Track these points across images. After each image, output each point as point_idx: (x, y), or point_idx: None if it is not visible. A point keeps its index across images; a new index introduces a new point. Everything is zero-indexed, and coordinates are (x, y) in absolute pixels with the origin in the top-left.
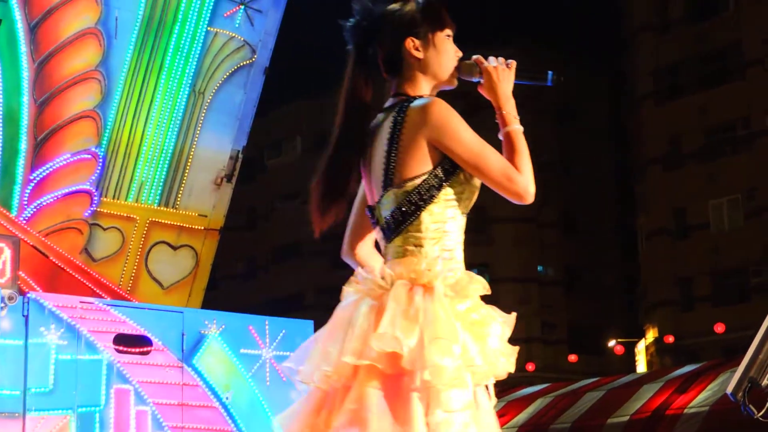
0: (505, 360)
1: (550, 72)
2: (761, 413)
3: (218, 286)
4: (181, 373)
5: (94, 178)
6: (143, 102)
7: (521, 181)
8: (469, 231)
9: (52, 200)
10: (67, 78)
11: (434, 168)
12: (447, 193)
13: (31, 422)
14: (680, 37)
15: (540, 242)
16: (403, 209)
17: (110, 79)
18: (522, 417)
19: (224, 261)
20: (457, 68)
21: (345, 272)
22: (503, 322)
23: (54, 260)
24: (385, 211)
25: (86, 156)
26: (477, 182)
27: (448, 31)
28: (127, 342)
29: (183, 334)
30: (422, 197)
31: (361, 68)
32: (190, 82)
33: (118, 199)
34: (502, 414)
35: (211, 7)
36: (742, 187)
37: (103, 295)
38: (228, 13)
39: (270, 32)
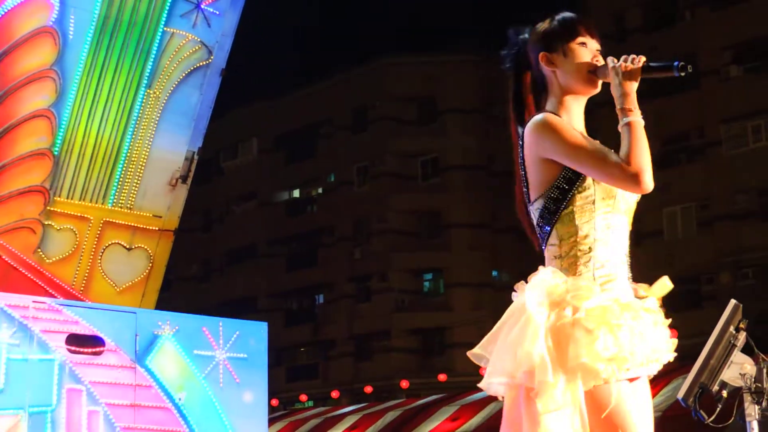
0: None
1: (676, 62)
2: (712, 418)
3: (172, 287)
4: (133, 373)
5: (47, 177)
6: (98, 102)
7: (628, 171)
8: (424, 236)
9: (5, 199)
10: (22, 77)
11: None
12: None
13: None
14: (637, 47)
15: (494, 248)
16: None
17: (65, 78)
18: (475, 420)
19: (179, 262)
20: (593, 72)
21: (299, 274)
22: None
23: (6, 259)
24: None
25: (40, 155)
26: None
27: (581, 39)
28: (80, 342)
29: (136, 335)
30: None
31: (520, 95)
32: (145, 82)
33: (72, 198)
34: (455, 418)
35: (167, 8)
36: (696, 196)
37: (56, 294)
38: (185, 13)
39: (227, 33)
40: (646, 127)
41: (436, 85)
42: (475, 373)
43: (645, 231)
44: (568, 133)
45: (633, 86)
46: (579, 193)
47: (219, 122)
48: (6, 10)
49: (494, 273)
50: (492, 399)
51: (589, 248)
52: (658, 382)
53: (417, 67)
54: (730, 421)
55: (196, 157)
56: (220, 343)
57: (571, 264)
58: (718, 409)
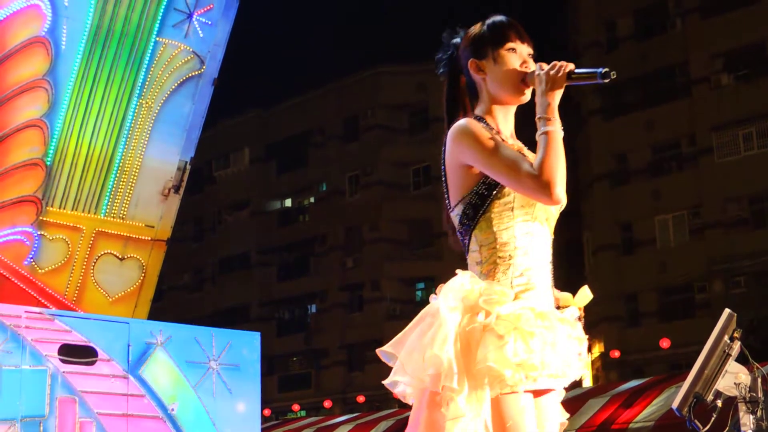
0: None
1: (599, 69)
2: (706, 428)
3: (164, 296)
4: (126, 383)
5: (40, 187)
6: (91, 112)
7: (539, 181)
8: (416, 245)
9: None
10: (14, 86)
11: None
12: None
13: None
14: (627, 55)
15: None
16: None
17: (57, 88)
18: None
19: (171, 272)
20: (523, 81)
21: (291, 284)
22: None
23: None
24: None
25: (33, 165)
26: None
27: (511, 45)
28: (73, 352)
29: (129, 345)
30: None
31: (454, 99)
32: (138, 92)
33: (64, 208)
34: None
35: (160, 18)
36: (688, 204)
37: (48, 305)
38: (177, 23)
39: (219, 43)
40: (638, 134)
41: (427, 94)
42: None
43: (637, 239)
44: (485, 141)
45: (556, 95)
46: (498, 199)
47: (211, 131)
48: None
49: None
50: None
51: (509, 255)
52: (651, 391)
53: (409, 75)
54: (725, 430)
55: (188, 166)
56: (212, 353)
57: (490, 270)
58: (713, 418)
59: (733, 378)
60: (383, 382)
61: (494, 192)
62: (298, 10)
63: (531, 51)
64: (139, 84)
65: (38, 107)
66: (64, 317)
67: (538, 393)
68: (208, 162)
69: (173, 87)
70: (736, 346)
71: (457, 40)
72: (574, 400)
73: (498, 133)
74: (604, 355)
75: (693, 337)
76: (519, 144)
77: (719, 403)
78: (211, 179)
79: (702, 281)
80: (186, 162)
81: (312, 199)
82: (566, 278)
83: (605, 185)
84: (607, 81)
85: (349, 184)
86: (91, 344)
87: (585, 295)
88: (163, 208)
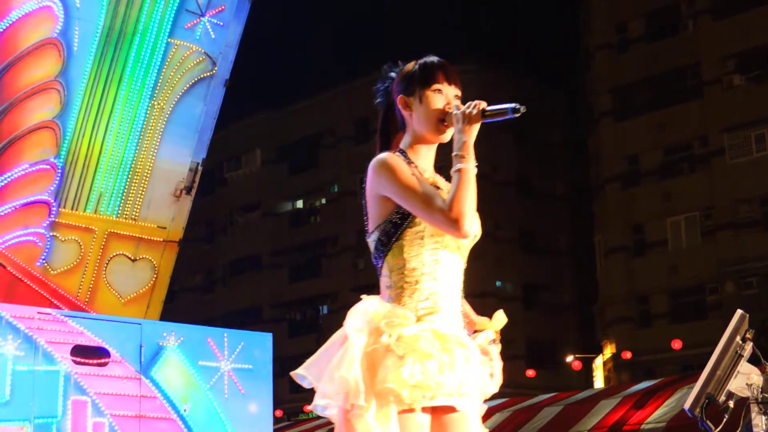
0: None
1: (510, 106)
2: (718, 429)
3: (176, 298)
4: (138, 384)
5: (52, 188)
6: (102, 113)
7: (449, 216)
8: None
9: (10, 210)
10: (27, 88)
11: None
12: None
13: None
14: (639, 56)
15: (497, 258)
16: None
17: (70, 89)
18: None
19: (183, 273)
20: (442, 120)
21: (302, 285)
22: None
23: (12, 271)
24: None
25: (45, 166)
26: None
27: (437, 86)
28: (85, 353)
29: (141, 346)
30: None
31: (385, 128)
32: (149, 93)
33: (76, 210)
34: None
35: (171, 19)
36: (700, 205)
37: (60, 306)
38: (189, 25)
39: (230, 44)
40: (649, 136)
41: None
42: None
43: (649, 241)
44: (403, 175)
45: (472, 132)
46: (410, 228)
47: (222, 133)
48: (11, 22)
49: (498, 283)
50: (496, 409)
51: (416, 280)
52: (663, 392)
53: None
54: (737, 431)
55: (199, 168)
56: (224, 354)
57: (398, 294)
58: (725, 419)
59: (745, 379)
60: (309, 407)
61: (407, 221)
62: (309, 12)
63: (458, 93)
64: (151, 85)
65: (50, 109)
66: (77, 318)
67: (439, 411)
68: (219, 164)
69: (185, 88)
70: (748, 347)
71: (393, 73)
72: (586, 401)
73: (416, 167)
74: (615, 357)
75: (704, 339)
76: (436, 178)
77: (731, 404)
78: (222, 181)
79: (713, 282)
80: (198, 163)
81: (323, 201)
82: (577, 280)
83: (617, 187)
84: (517, 116)
85: (361, 185)
86: (104, 345)
87: (499, 319)
88: (174, 209)
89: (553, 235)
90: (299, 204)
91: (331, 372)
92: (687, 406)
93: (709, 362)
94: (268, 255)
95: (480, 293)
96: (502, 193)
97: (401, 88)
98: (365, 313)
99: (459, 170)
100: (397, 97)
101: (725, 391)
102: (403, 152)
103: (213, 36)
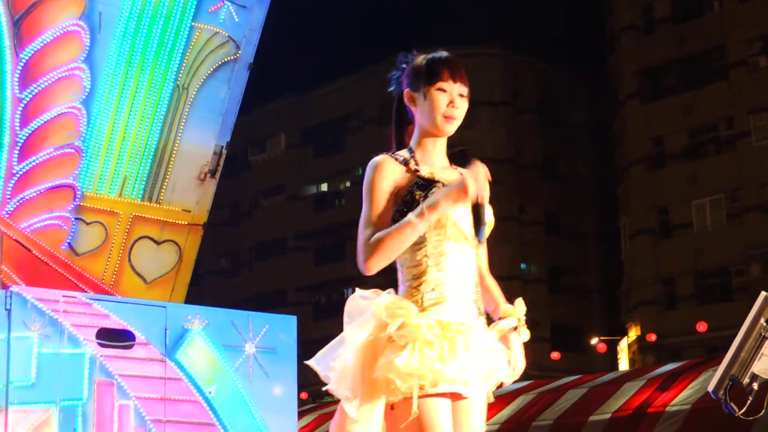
0: None
1: (478, 229)
2: (742, 411)
3: (201, 281)
4: (163, 367)
5: (77, 172)
6: (127, 97)
7: (360, 248)
8: None
9: (35, 194)
10: (51, 72)
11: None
12: None
13: (13, 416)
14: (665, 38)
15: (522, 240)
16: None
17: (94, 74)
18: (504, 413)
19: (207, 256)
20: (445, 117)
21: (327, 268)
22: None
23: (37, 254)
24: None
25: (69, 150)
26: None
27: (441, 84)
28: (110, 336)
29: (166, 329)
30: None
31: (398, 117)
32: (173, 77)
33: (101, 193)
34: None
35: (195, 3)
36: (725, 188)
37: (86, 289)
38: (212, 8)
39: (254, 28)
40: (675, 118)
41: None
42: None
43: (674, 223)
44: (376, 186)
45: (452, 205)
46: None
47: (247, 117)
48: (35, 6)
49: (523, 265)
50: (521, 392)
51: (422, 273)
52: (688, 374)
53: None
54: (761, 414)
55: (224, 151)
56: (249, 337)
57: (409, 287)
58: (749, 401)
59: None
60: (326, 388)
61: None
62: None
63: (463, 91)
64: (175, 69)
65: (74, 93)
66: (102, 301)
67: (451, 397)
68: (244, 147)
69: (209, 72)
70: None
71: (406, 64)
72: (611, 383)
73: (417, 168)
74: (640, 339)
75: (730, 321)
76: (443, 174)
77: (755, 386)
78: (247, 164)
79: (739, 265)
80: (222, 147)
81: (348, 184)
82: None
83: (642, 169)
84: (479, 241)
85: None
86: (129, 328)
87: (519, 306)
88: (199, 193)
89: (578, 218)
90: (324, 187)
91: (329, 362)
92: (711, 388)
93: (732, 344)
94: (292, 238)
95: (506, 276)
96: (527, 176)
97: (408, 82)
98: (373, 304)
99: (409, 222)
100: (405, 91)
101: (749, 373)
102: (411, 150)
103: (237, 20)
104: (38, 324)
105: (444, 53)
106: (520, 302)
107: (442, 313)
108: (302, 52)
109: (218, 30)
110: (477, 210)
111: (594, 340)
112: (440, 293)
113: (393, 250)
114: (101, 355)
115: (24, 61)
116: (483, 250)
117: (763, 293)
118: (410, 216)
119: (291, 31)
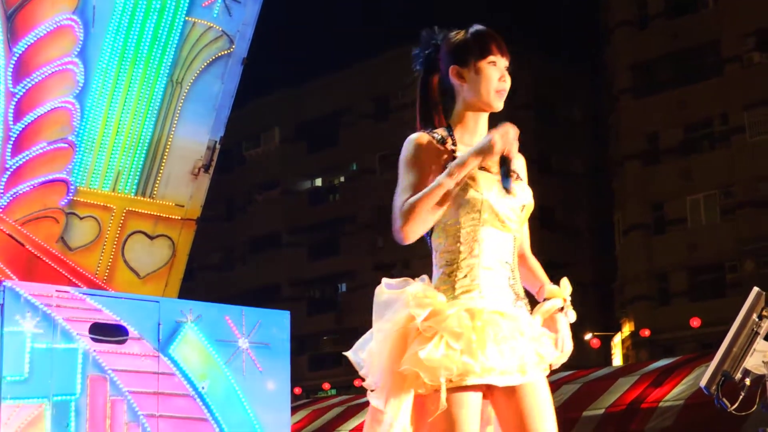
0: None
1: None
2: (734, 406)
3: (195, 276)
4: (157, 362)
5: (70, 167)
6: (120, 91)
7: (396, 213)
8: None
9: (28, 189)
10: (44, 67)
11: None
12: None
13: (6, 410)
14: (659, 33)
15: None
16: None
17: (87, 68)
18: None
19: (201, 251)
20: (497, 92)
21: (321, 263)
22: None
23: (30, 249)
24: None
25: (63, 145)
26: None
27: (492, 58)
28: (103, 331)
29: (159, 324)
30: None
31: (425, 96)
32: (167, 72)
33: (94, 188)
34: None
35: None
36: (719, 183)
37: (79, 284)
38: (206, 3)
39: (248, 22)
40: (669, 113)
41: None
42: None
43: (668, 219)
44: (411, 162)
45: (482, 160)
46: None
47: (241, 111)
48: (29, 0)
49: None
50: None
51: (455, 258)
52: (681, 370)
53: None
54: (753, 409)
55: (218, 146)
56: (242, 332)
57: (442, 273)
58: (741, 396)
59: (762, 356)
60: (362, 384)
61: None
62: None
63: (507, 64)
64: (169, 63)
65: (68, 87)
66: (95, 296)
67: (494, 389)
68: (238, 142)
69: (202, 66)
70: (765, 324)
71: (437, 41)
72: (604, 378)
73: (453, 149)
74: (634, 334)
75: (723, 317)
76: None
77: (747, 381)
78: (241, 159)
79: (733, 261)
80: (216, 141)
81: (342, 179)
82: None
83: (636, 164)
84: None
85: (380, 163)
86: (122, 323)
87: (564, 286)
88: (192, 188)
89: (572, 213)
90: (318, 182)
91: (360, 353)
92: (703, 383)
93: (725, 340)
94: (286, 233)
95: None
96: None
97: (453, 57)
98: (405, 293)
99: (440, 183)
100: (450, 67)
101: (741, 368)
102: (449, 128)
103: (230, 14)
104: (31, 319)
105: (484, 27)
106: (565, 282)
107: (474, 300)
108: (296, 47)
109: (212, 24)
110: (505, 162)
111: (588, 336)
112: (472, 280)
113: (427, 213)
114: (94, 350)
115: (17, 55)
116: (525, 231)
117: (756, 289)
118: (440, 177)
119: (285, 26)
